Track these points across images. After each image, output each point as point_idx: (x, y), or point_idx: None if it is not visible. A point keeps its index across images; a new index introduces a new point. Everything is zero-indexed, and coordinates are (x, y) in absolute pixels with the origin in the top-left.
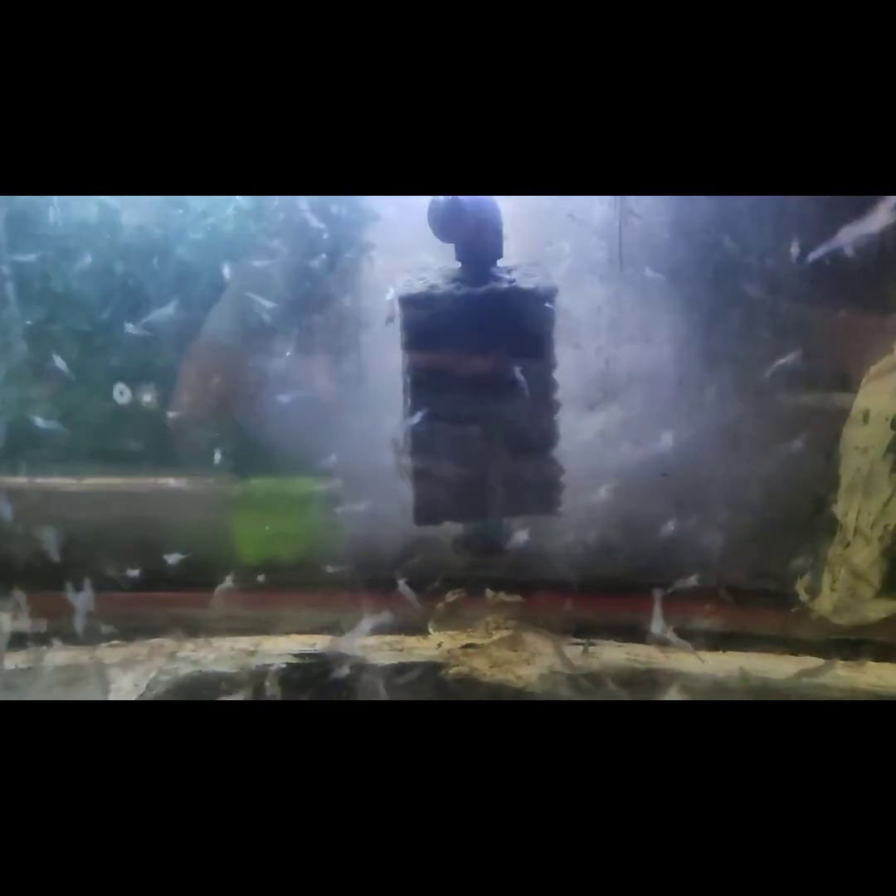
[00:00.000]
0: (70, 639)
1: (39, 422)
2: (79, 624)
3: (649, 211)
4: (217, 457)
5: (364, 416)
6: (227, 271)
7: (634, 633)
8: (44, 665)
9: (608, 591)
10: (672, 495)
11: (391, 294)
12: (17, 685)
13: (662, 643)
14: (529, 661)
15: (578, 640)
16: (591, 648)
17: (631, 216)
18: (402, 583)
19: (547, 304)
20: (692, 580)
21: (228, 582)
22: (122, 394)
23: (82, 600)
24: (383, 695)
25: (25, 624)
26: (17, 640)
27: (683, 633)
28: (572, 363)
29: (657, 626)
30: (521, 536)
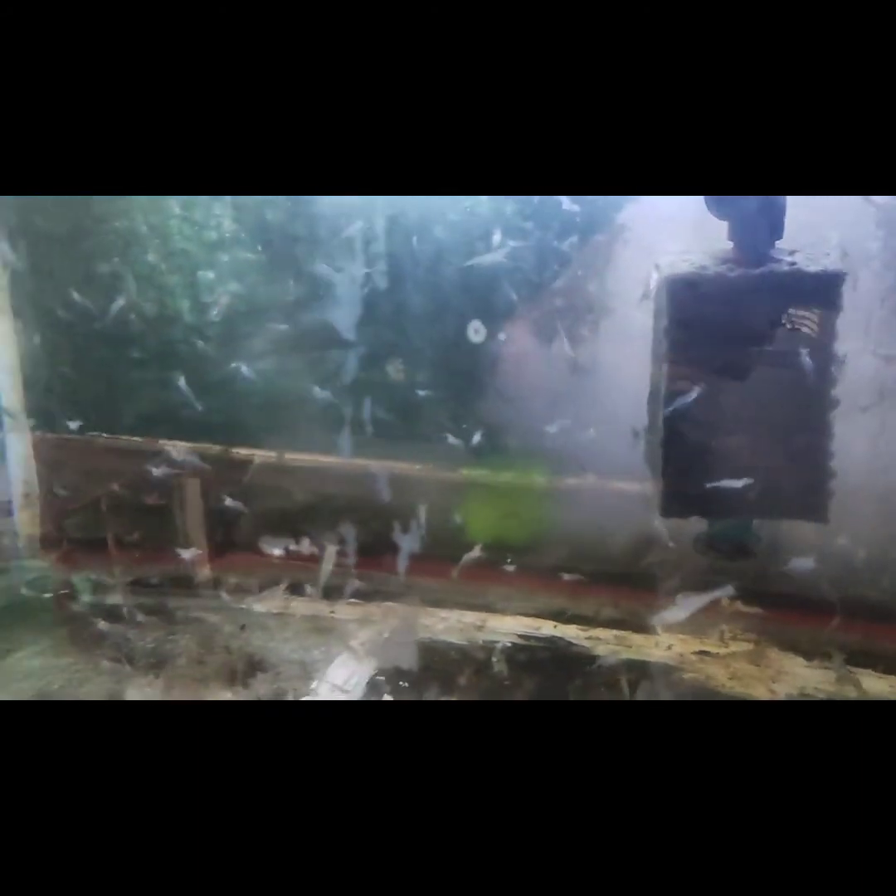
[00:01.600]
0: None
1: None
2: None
3: None
4: (450, 440)
5: (597, 406)
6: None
7: None
8: (292, 612)
9: (873, 615)
10: None
11: (654, 278)
12: (270, 627)
13: None
14: (774, 679)
15: (831, 665)
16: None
17: None
18: (658, 522)
19: (833, 291)
20: None
21: (477, 551)
22: (476, 332)
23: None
24: (623, 690)
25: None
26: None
27: None
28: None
29: None
30: (804, 564)
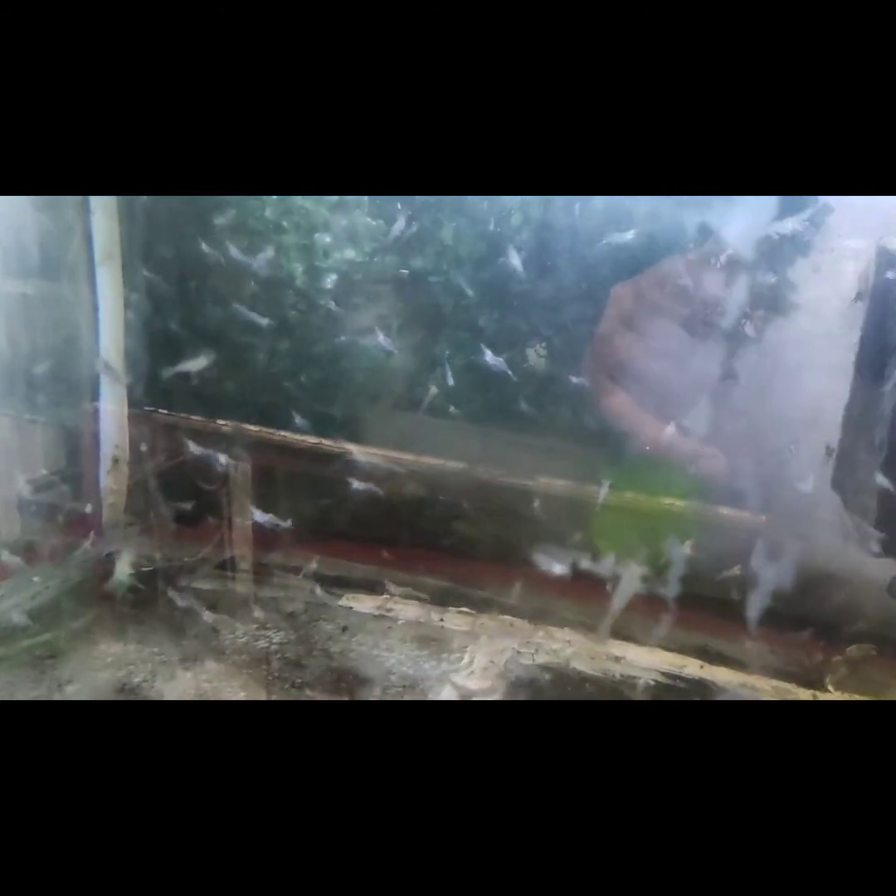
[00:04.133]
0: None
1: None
2: None
3: None
4: None
5: (749, 421)
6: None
7: None
8: (395, 616)
9: None
10: None
11: (889, 273)
12: (372, 631)
13: None
14: None
15: None
16: None
17: None
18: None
19: None
20: None
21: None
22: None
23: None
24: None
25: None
26: (369, 587)
27: None
28: None
29: None
30: None
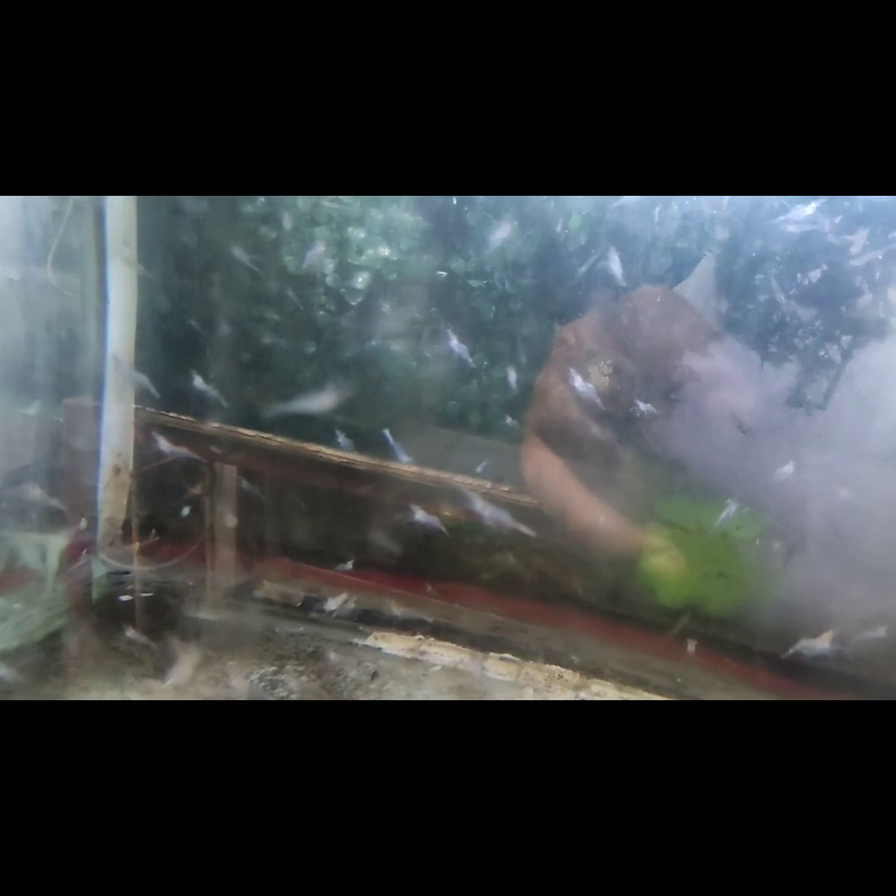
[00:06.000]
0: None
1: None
2: None
3: None
4: None
5: (810, 449)
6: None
7: None
8: (427, 660)
9: None
10: None
11: None
12: (404, 678)
13: None
14: None
15: None
16: None
17: None
18: None
19: None
20: None
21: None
22: None
23: None
24: None
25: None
26: (400, 625)
27: None
28: None
29: None
30: None
